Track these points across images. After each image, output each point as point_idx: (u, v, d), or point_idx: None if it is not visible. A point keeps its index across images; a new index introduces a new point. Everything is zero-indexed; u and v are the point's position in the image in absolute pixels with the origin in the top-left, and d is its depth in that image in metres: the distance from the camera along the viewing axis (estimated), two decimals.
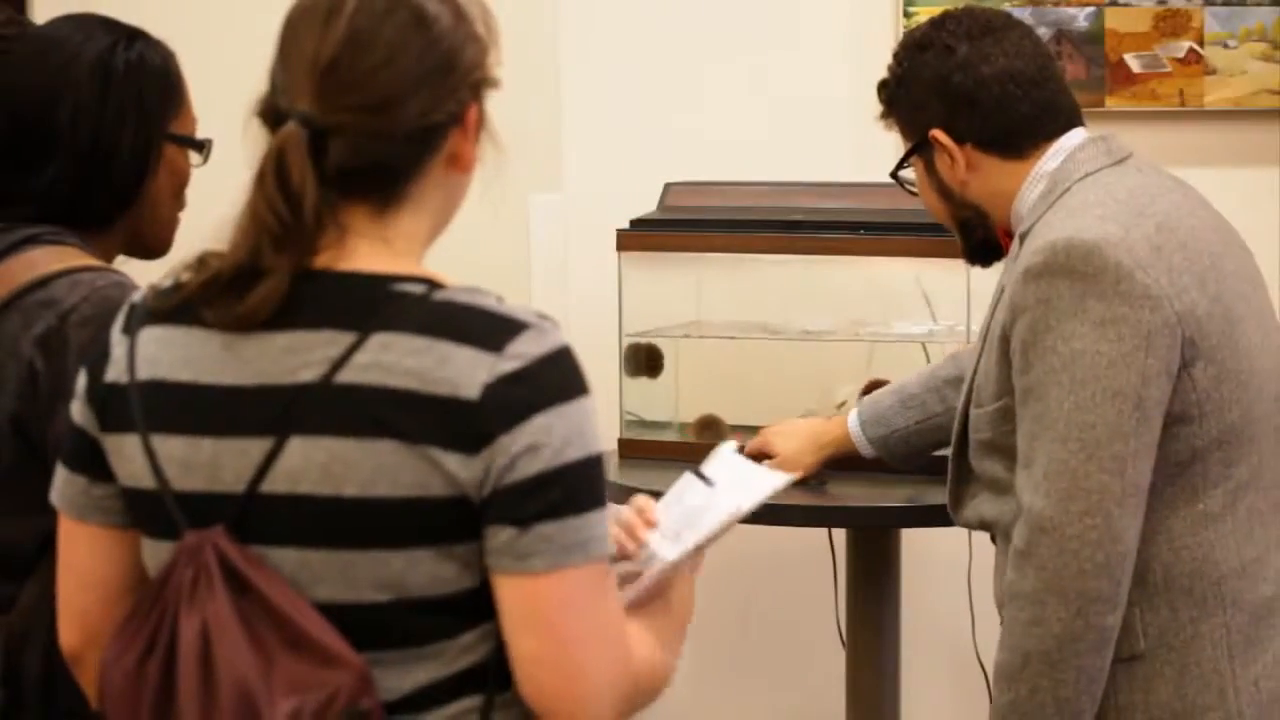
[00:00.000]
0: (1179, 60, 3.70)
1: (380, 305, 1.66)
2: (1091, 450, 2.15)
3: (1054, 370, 2.17)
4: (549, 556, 1.64)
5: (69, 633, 1.83)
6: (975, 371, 2.35)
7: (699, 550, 1.89)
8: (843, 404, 3.16)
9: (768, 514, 2.85)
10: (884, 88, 2.48)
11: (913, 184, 2.49)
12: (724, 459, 2.02)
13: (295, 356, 1.66)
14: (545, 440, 1.63)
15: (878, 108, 2.51)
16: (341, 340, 1.65)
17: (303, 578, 1.67)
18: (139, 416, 1.71)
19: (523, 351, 1.64)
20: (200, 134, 2.42)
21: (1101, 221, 2.20)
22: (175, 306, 1.71)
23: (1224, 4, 3.68)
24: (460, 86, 1.71)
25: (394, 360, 1.63)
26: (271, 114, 1.70)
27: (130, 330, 1.74)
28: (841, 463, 2.94)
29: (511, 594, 1.66)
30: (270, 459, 1.66)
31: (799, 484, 2.93)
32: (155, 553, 1.73)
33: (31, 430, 2.24)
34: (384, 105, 1.67)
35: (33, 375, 2.23)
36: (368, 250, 1.70)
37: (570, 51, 3.78)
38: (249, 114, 1.72)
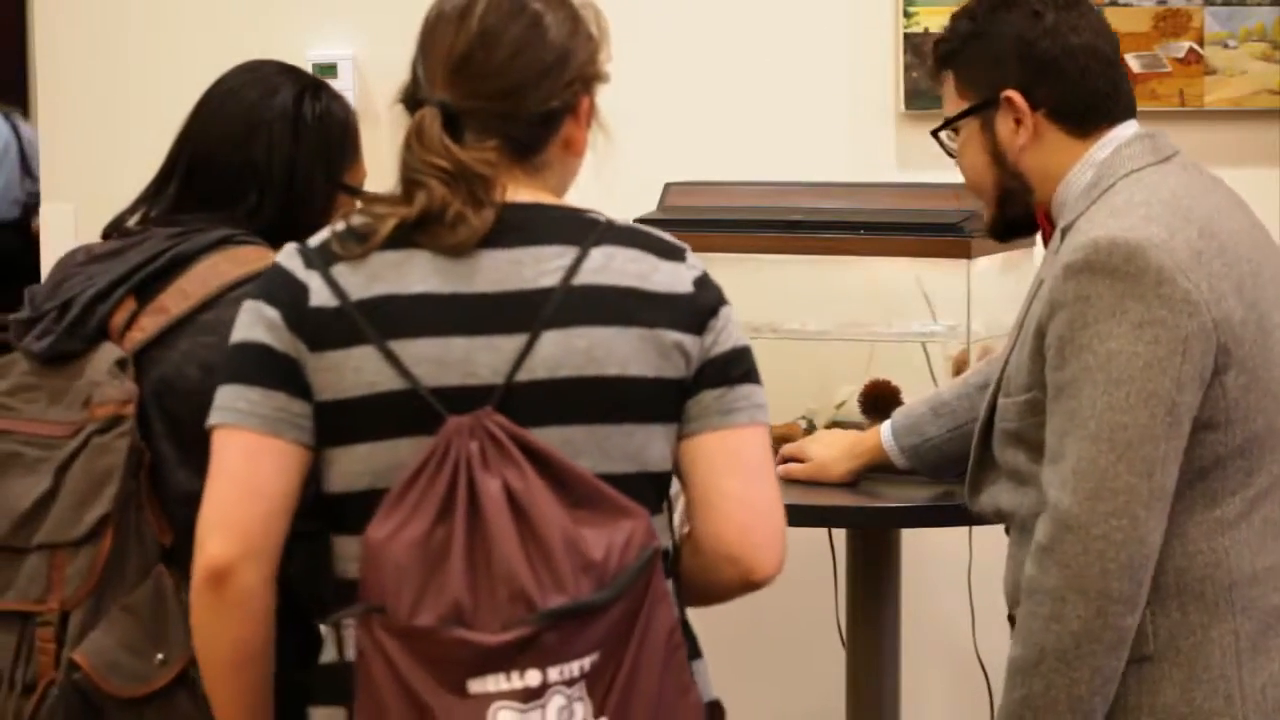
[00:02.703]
0: (1179, 60, 3.70)
1: (587, 227, 1.98)
2: (1122, 451, 2.14)
3: (1089, 369, 2.16)
4: (748, 413, 1.99)
5: (229, 543, 1.93)
6: (1007, 361, 2.33)
7: None
8: (842, 404, 3.16)
9: None
10: (945, 42, 2.42)
11: (952, 141, 2.45)
12: None
13: (529, 267, 1.94)
14: (730, 325, 2.01)
15: (931, 60, 2.45)
16: (568, 253, 1.95)
17: (564, 453, 1.90)
18: (369, 328, 1.92)
19: (696, 263, 2.03)
20: None
21: (1146, 223, 2.19)
22: (388, 236, 1.94)
23: (1224, 4, 3.68)
24: (574, 80, 2.00)
25: (618, 266, 1.96)
26: (412, 100, 1.98)
27: (314, 265, 1.96)
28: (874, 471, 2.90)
29: (717, 445, 1.98)
30: (526, 352, 1.91)
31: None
32: (391, 452, 1.92)
33: None
34: (510, 93, 1.96)
35: None
36: (543, 196, 2.00)
37: None
38: (392, 101, 2.00)
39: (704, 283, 2.01)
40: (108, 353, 2.36)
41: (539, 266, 1.94)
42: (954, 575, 3.53)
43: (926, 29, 3.70)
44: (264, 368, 1.95)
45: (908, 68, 3.72)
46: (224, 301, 2.36)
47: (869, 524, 3.06)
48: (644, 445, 1.96)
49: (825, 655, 3.54)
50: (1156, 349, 2.14)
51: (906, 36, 3.72)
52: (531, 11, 1.97)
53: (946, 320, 3.24)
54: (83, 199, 3.77)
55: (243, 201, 2.45)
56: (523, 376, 1.91)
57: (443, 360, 1.91)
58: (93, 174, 3.78)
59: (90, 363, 2.36)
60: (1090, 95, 2.34)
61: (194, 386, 2.34)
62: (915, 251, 3.14)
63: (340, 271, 1.94)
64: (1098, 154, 2.33)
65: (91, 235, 2.59)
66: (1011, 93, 2.35)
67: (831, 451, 2.87)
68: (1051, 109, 2.35)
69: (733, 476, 1.98)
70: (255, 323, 1.96)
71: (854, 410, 3.13)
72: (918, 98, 3.72)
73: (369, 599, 1.85)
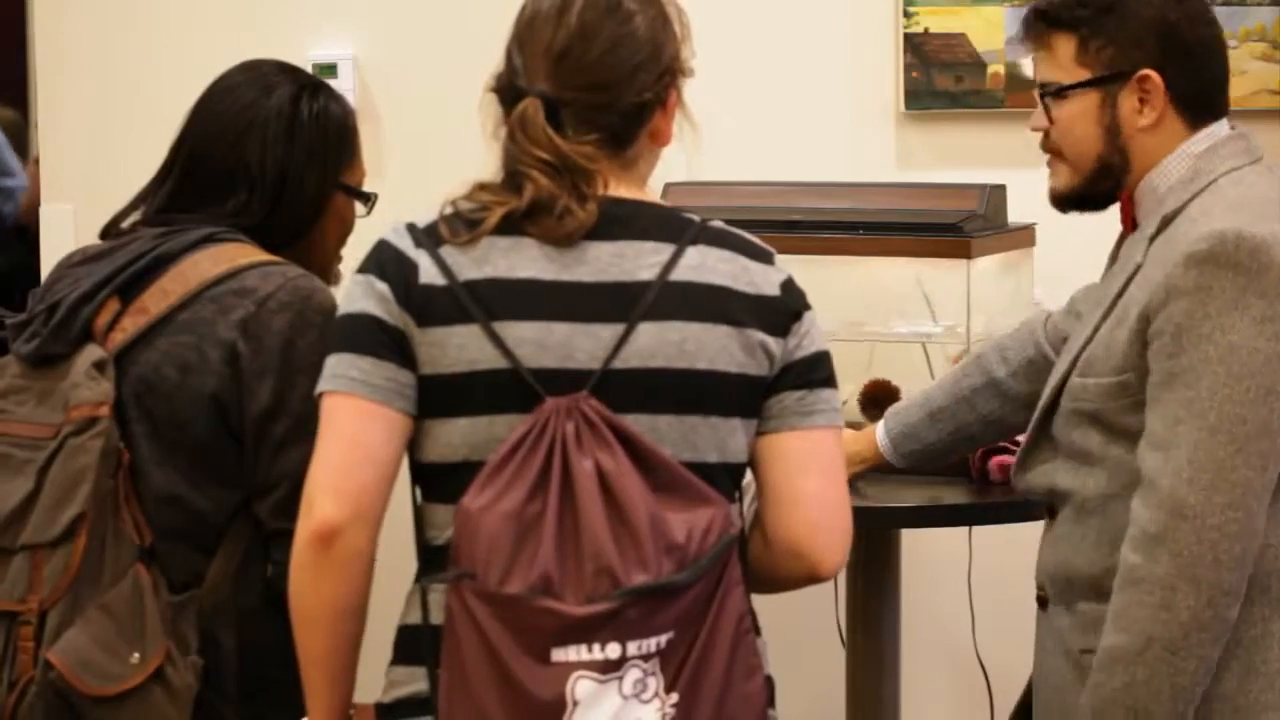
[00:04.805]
0: None
1: (684, 226, 2.08)
2: (1241, 444, 2.16)
3: (1209, 360, 2.17)
4: (827, 415, 2.10)
5: (341, 506, 1.99)
6: (1088, 341, 2.33)
7: None
8: (842, 404, 3.16)
9: None
10: (1077, 6, 2.35)
11: (1054, 104, 2.37)
12: None
13: (629, 260, 2.04)
14: (813, 330, 2.10)
15: (1034, 26, 2.37)
16: (665, 249, 2.05)
17: (651, 439, 1.98)
18: (475, 308, 2.00)
19: (783, 267, 2.11)
20: None
21: (1265, 219, 2.20)
22: (498, 223, 2.02)
23: (1224, 4, 3.68)
24: (664, 74, 2.09)
25: (711, 265, 2.06)
26: (509, 91, 2.07)
27: (423, 245, 2.04)
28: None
29: (797, 444, 2.08)
30: (622, 340, 2.00)
31: None
32: (488, 427, 2.00)
33: (230, 408, 2.37)
34: (606, 85, 2.05)
35: (234, 356, 2.37)
36: (639, 192, 2.11)
37: None
38: (485, 89, 2.08)
39: (789, 286, 2.10)
40: (89, 355, 2.37)
41: (638, 260, 2.04)
42: (954, 575, 3.53)
43: (926, 29, 3.70)
44: (376, 339, 2.02)
45: (908, 68, 3.72)
46: (201, 300, 2.38)
47: (869, 524, 3.05)
48: (726, 437, 2.05)
49: (825, 655, 3.54)
50: (1277, 345, 2.16)
51: (906, 36, 3.72)
52: (625, 10, 2.07)
53: (946, 320, 3.25)
54: (82, 199, 3.77)
55: (232, 198, 2.45)
56: (618, 364, 2.00)
57: (543, 343, 2.00)
58: (93, 174, 3.78)
59: (74, 365, 2.37)
60: (1211, 86, 2.36)
61: (172, 387, 2.36)
62: (915, 251, 3.15)
63: (448, 252, 2.02)
64: (1193, 147, 2.33)
65: (91, 236, 2.59)
66: (1150, 72, 2.33)
67: None
68: (1178, 95, 2.34)
69: (809, 475, 2.08)
70: (367, 295, 2.03)
71: (854, 410, 3.13)
72: (918, 98, 3.72)
73: (460, 565, 1.92)
